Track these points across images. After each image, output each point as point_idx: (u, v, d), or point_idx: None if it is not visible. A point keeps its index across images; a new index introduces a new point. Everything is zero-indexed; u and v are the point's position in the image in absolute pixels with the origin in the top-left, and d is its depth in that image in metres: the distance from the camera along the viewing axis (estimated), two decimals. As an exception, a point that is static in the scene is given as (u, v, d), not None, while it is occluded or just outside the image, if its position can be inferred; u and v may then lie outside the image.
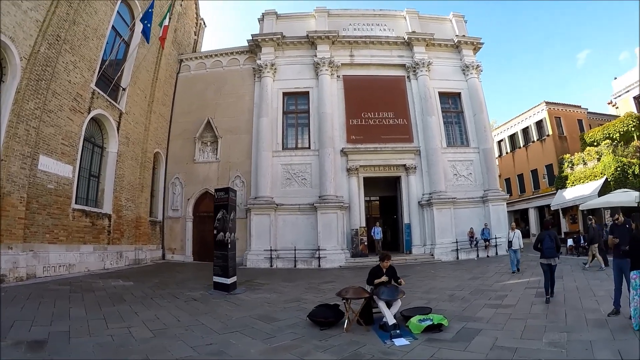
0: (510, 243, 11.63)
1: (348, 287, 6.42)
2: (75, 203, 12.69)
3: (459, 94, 19.80)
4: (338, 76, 19.28)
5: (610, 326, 5.14)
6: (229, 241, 9.87)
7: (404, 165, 18.17)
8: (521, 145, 29.33)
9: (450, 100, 19.99)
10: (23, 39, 10.06)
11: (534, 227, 27.48)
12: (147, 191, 17.64)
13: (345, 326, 5.77)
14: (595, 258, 11.93)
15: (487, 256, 16.73)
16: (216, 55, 20.90)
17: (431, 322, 5.40)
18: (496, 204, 17.98)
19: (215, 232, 10.25)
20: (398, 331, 5.27)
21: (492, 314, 6.40)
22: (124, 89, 15.72)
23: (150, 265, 16.48)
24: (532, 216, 27.68)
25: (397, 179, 18.69)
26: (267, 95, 18.67)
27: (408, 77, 19.51)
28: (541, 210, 26.96)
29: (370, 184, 19.48)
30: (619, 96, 25.78)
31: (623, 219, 5.93)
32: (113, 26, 14.67)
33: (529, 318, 5.96)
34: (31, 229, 10.46)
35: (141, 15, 15.07)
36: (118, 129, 15.25)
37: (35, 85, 10.41)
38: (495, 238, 17.01)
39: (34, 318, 6.05)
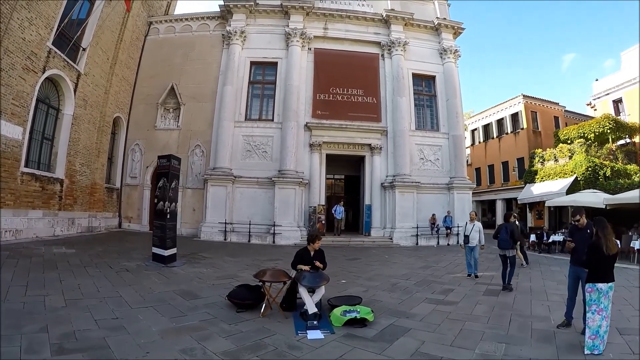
0: (466, 238, 8.65)
1: (267, 268, 5.79)
2: (26, 166, 11.79)
3: (434, 77, 18.70)
4: (309, 49, 17.99)
5: (557, 341, 4.38)
6: (168, 211, 9.01)
7: (369, 145, 17.11)
8: (494, 136, 28.40)
9: (424, 83, 18.89)
10: None
11: (500, 219, 26.75)
12: (104, 157, 16.45)
13: (262, 311, 5.15)
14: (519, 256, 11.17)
15: (448, 244, 15.96)
16: (187, 19, 19.36)
17: (355, 316, 4.75)
18: (461, 192, 17.16)
19: (155, 200, 9.52)
20: (315, 322, 4.62)
21: (430, 310, 5.68)
22: (84, 49, 14.39)
23: (103, 233, 15.41)
24: (499, 208, 26.94)
25: (362, 159, 17.67)
26: (234, 63, 17.34)
27: (382, 55, 18.32)
28: (509, 202, 26.18)
29: (334, 162, 18.44)
30: (598, 98, 24.94)
31: (585, 221, 4.99)
32: None
33: (468, 320, 5.18)
34: None
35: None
36: (75, 91, 14.03)
37: None
38: (458, 227, 16.10)
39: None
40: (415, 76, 18.48)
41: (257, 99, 17.97)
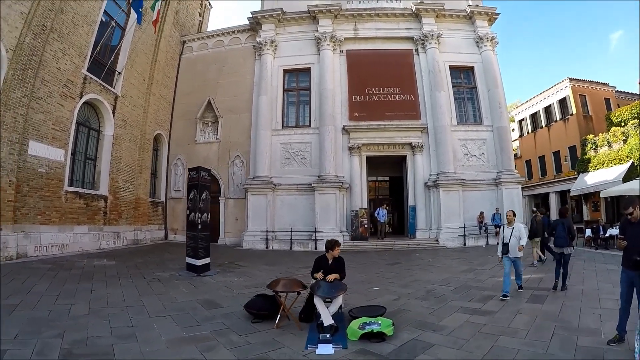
0: (505, 247, 6.50)
1: (280, 278, 5.49)
2: (70, 185, 12.42)
3: (472, 68, 17.46)
4: (341, 51, 17.43)
5: (606, 362, 3.49)
6: (199, 222, 8.94)
7: (410, 143, 16.17)
8: (543, 125, 26.03)
9: (463, 75, 17.70)
10: (8, 31, 9.92)
11: (554, 213, 24.61)
12: (147, 172, 16.83)
13: (276, 322, 4.76)
14: (536, 252, 10.22)
15: (497, 243, 14.68)
16: (218, 35, 19.52)
17: (372, 329, 4.20)
18: (510, 187, 15.72)
19: (187, 212, 9.49)
20: (328, 335, 4.20)
21: (462, 322, 4.89)
22: (119, 73, 14.99)
23: (148, 245, 15.70)
24: (553, 201, 24.62)
25: (404, 159, 16.74)
26: (267, 73, 17.15)
27: (416, 50, 17.38)
28: (563, 195, 23.93)
29: (376, 164, 17.71)
30: None
31: None
32: (105, 11, 13.87)
33: (503, 334, 4.36)
34: (22, 210, 10.43)
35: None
36: (114, 112, 14.63)
37: (22, 74, 10.24)
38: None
39: (-4, 293, 6.02)
40: (453, 68, 17.36)
41: (292, 106, 17.65)
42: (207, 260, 9.10)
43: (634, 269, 3.66)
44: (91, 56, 13.07)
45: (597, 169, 19.64)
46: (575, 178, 21.30)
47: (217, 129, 17.98)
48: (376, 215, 16.15)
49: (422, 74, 16.97)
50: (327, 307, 4.62)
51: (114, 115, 14.58)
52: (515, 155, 29.13)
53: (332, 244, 5.14)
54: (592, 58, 70.75)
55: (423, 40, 17.19)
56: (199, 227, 8.94)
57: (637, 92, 25.04)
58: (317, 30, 17.26)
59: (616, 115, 20.91)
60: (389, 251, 13.81)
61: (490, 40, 17.51)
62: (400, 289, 7.14)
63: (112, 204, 14.46)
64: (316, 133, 16.22)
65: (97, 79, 13.58)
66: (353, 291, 6.90)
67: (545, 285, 7.08)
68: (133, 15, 14.75)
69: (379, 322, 4.31)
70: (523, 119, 28.49)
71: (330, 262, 5.13)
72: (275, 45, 17.72)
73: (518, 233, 6.43)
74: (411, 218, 15.89)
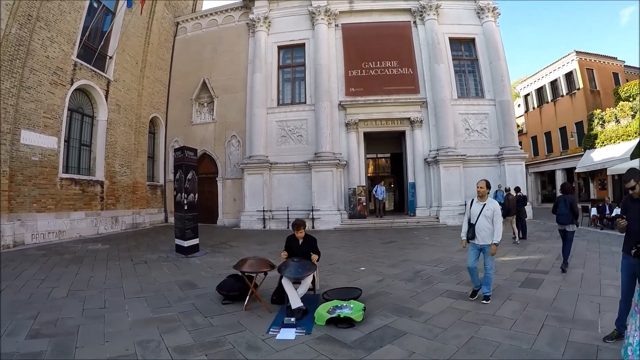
0: (471, 229, 4.68)
1: (248, 257, 5.08)
2: (66, 172, 12.26)
3: (473, 39, 16.35)
4: (336, 25, 16.46)
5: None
6: (185, 202, 8.69)
7: (409, 118, 15.27)
8: (549, 100, 24.67)
9: (464, 47, 16.62)
10: None
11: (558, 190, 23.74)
12: (144, 156, 16.33)
13: (245, 303, 4.56)
14: (512, 230, 9.91)
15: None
16: (212, 14, 18.61)
17: (338, 314, 3.88)
18: (513, 163, 14.78)
19: (174, 193, 9.31)
20: (293, 319, 3.92)
21: (443, 308, 4.43)
22: (110, 57, 14.36)
23: (147, 229, 15.33)
24: (559, 179, 23.36)
25: (403, 135, 15.85)
26: (261, 50, 16.31)
27: (414, 22, 16.31)
28: (569, 172, 22.77)
29: (376, 141, 16.93)
30: None
31: None
32: None
33: (486, 324, 3.83)
34: (17, 199, 10.30)
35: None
36: (107, 97, 14.14)
37: (10, 65, 9.98)
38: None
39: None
40: (453, 40, 16.30)
41: (288, 83, 16.79)
42: (195, 241, 8.84)
43: (635, 257, 2.96)
44: (80, 42, 12.59)
45: (604, 145, 18.60)
46: (582, 155, 20.27)
47: (213, 109, 17.28)
48: (374, 192, 15.46)
49: (421, 47, 15.95)
50: (296, 289, 4.30)
51: (107, 100, 14.07)
52: (521, 131, 27.78)
53: (296, 224, 4.79)
54: (601, 34, 67.86)
55: (421, 11, 16.13)
56: (185, 207, 8.66)
57: (647, 67, 23.76)
58: (311, 5, 16.30)
59: (625, 90, 19.71)
60: (387, 229, 13.15)
61: (492, 11, 16.38)
62: (387, 270, 6.68)
63: (108, 189, 14.08)
64: (312, 110, 15.43)
65: (88, 65, 13.06)
66: (337, 271, 6.67)
67: (544, 267, 6.43)
68: (121, -1, 14.09)
69: (351, 305, 4.00)
70: (528, 94, 27.06)
71: (300, 242, 4.83)
72: (269, 22, 16.84)
73: (490, 213, 4.54)
74: (411, 195, 15.12)
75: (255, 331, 3.78)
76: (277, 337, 3.59)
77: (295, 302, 4.11)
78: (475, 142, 15.21)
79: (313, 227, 14.00)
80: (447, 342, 3.40)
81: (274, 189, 15.17)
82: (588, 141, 19.63)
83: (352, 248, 9.43)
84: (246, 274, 4.64)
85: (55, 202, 11.50)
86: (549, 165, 24.81)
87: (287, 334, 3.67)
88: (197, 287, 5.61)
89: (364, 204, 14.60)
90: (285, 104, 16.28)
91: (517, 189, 11.00)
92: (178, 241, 8.76)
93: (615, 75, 22.84)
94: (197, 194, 9.33)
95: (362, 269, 6.79)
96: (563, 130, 23.29)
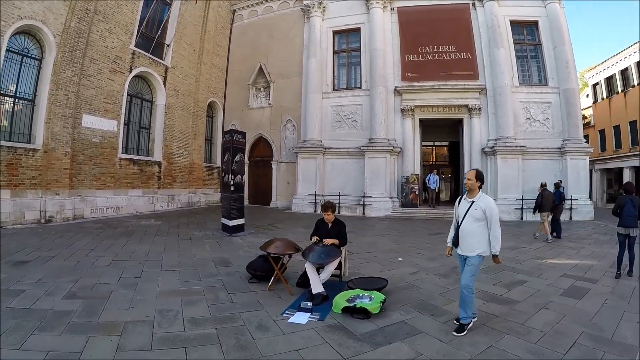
0: (455, 236, 3.69)
1: (275, 239, 5.09)
2: (125, 153, 13.03)
3: (536, 22, 15.16)
4: (392, 8, 15.90)
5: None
6: (232, 183, 9.00)
7: (467, 105, 14.63)
8: (619, 91, 22.17)
9: (526, 31, 15.50)
10: (54, 19, 10.34)
11: None
12: (201, 138, 17.12)
13: (269, 284, 4.60)
14: (543, 227, 9.31)
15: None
16: (267, 0, 18.70)
17: (355, 304, 3.74)
18: (576, 158, 13.74)
19: (222, 174, 9.79)
20: (309, 304, 3.85)
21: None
22: (168, 46, 15.04)
23: (201, 207, 16.16)
24: (627, 177, 21.10)
25: (460, 122, 15.23)
26: (316, 36, 16.24)
27: (473, 4, 15.31)
28: (638, 171, 20.60)
29: (433, 128, 16.47)
30: None
31: None
32: None
33: (511, 333, 3.43)
34: (78, 177, 11.18)
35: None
36: (165, 83, 14.85)
37: (70, 55, 10.64)
38: (571, 199, 13.15)
39: (39, 247, 6.66)
40: (514, 23, 15.21)
41: (343, 68, 16.67)
42: (240, 221, 9.11)
43: None
44: (138, 32, 13.24)
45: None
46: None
47: (269, 93, 17.59)
48: (427, 181, 15.18)
49: (480, 30, 15.06)
50: (320, 274, 4.22)
51: (165, 86, 14.83)
52: (588, 123, 25.57)
53: (325, 206, 4.65)
54: None
55: (481, -8, 15.21)
56: (232, 188, 8.93)
57: None
58: (367, -12, 15.88)
59: None
60: (438, 220, 12.83)
61: None
62: (425, 262, 6.44)
63: (166, 169, 14.92)
64: (367, 95, 15.24)
65: (146, 53, 13.71)
66: (374, 260, 6.55)
67: (593, 274, 5.72)
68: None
69: (372, 296, 3.86)
70: (597, 83, 24.48)
71: (329, 226, 4.67)
72: (324, 7, 16.65)
73: (480, 213, 3.46)
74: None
75: (270, 312, 3.79)
76: (289, 320, 3.56)
77: (317, 287, 4.05)
78: (536, 133, 14.34)
79: (364, 214, 14.10)
80: (462, 348, 3.11)
81: (326, 174, 15.34)
82: None
83: (397, 237, 9.25)
84: (272, 255, 4.64)
85: (114, 180, 12.38)
86: (617, 162, 22.48)
87: (301, 317, 3.61)
88: (230, 265, 5.77)
89: (417, 192, 14.38)
90: (340, 89, 16.21)
91: (557, 185, 10.43)
92: (224, 220, 9.08)
93: (695, 61, 20.40)
94: (244, 176, 9.77)
95: (400, 259, 6.63)
96: (633, 124, 20.94)
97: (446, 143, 18.59)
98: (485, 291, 4.75)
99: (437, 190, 15.02)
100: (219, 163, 18.52)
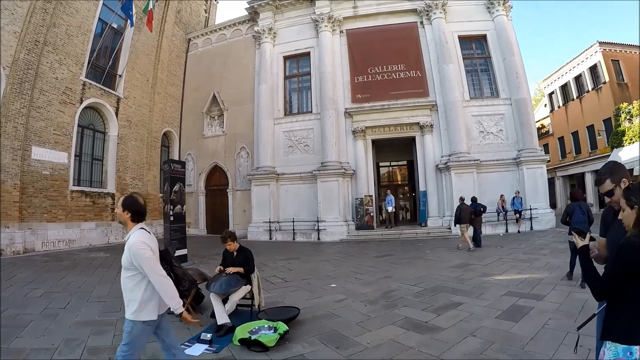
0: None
1: (186, 269, 4.52)
2: (77, 185, 12.42)
3: (485, 36, 14.63)
4: (341, 31, 15.29)
5: None
6: (172, 214, 8.55)
7: (418, 123, 13.80)
8: (574, 97, 21.82)
9: (475, 45, 14.96)
10: (4, 51, 10.00)
11: (590, 195, 20.19)
12: (156, 169, 16.04)
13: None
14: (463, 238, 9.35)
15: (518, 231, 12.12)
16: (221, 28, 18.08)
17: (249, 337, 3.44)
18: (533, 167, 12.97)
19: (163, 204, 9.66)
20: (209, 335, 3.61)
21: (385, 340, 3.55)
22: (120, 76, 14.32)
23: (158, 238, 14.50)
24: (589, 182, 20.55)
25: (413, 140, 14.37)
26: (266, 62, 15.47)
27: (421, 22, 14.81)
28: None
29: (387, 148, 15.62)
30: None
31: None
32: (100, 18, 13.32)
33: None
34: (28, 210, 10.65)
35: (120, 4, 13.16)
36: (117, 114, 14.09)
37: (19, 87, 10.33)
38: (530, 209, 12.38)
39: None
40: (463, 38, 14.67)
41: (294, 92, 15.90)
42: (182, 251, 8.57)
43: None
44: (89, 63, 12.74)
45: (633, 142, 16.16)
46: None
47: (223, 121, 16.65)
48: (385, 202, 14.18)
49: (429, 48, 14.45)
50: (225, 305, 3.96)
51: (117, 117, 14.10)
52: (547, 132, 25.24)
53: (223, 237, 4.33)
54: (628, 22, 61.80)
55: (427, 10, 14.63)
56: (172, 218, 8.50)
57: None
58: (314, 13, 15.23)
59: (656, 79, 17.27)
60: (393, 241, 11.84)
61: (503, 4, 14.62)
62: (358, 288, 5.80)
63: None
64: (318, 119, 14.35)
65: (97, 84, 13.11)
66: (304, 287, 6.02)
67: (541, 290, 4.99)
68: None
69: (276, 327, 3.55)
70: (553, 92, 24.16)
71: (234, 255, 4.36)
72: (274, 33, 15.97)
73: (126, 259, 2.25)
74: (422, 204, 13.64)
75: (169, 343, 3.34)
76: (186, 352, 3.22)
77: (222, 318, 3.81)
78: (490, 146, 13.55)
79: (319, 239, 13.00)
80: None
81: (280, 200, 14.25)
82: (615, 139, 17.13)
83: (341, 262, 8.55)
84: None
85: (65, 213, 11.67)
86: (578, 167, 21.90)
87: (197, 349, 3.43)
88: None
89: (372, 214, 13.32)
90: (291, 114, 15.35)
91: (474, 199, 10.47)
92: None
93: (645, 65, 20.17)
94: (184, 206, 9.22)
95: (333, 285, 6.03)
96: (590, 128, 20.47)
97: (404, 162, 17.62)
98: (410, 318, 4.18)
99: (394, 210, 13.95)
100: (177, 194, 17.39)
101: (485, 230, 12.28)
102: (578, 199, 5.64)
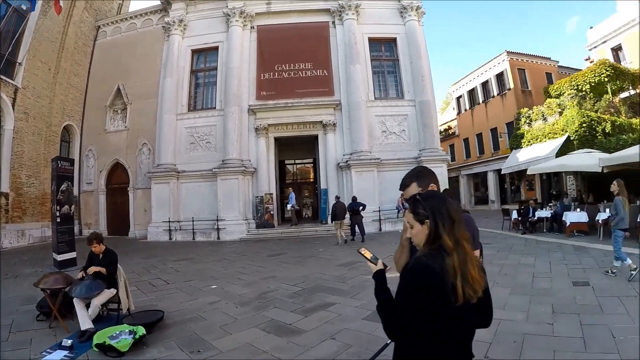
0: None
1: (50, 274, 4.54)
2: None
3: (395, 39, 14.73)
4: (252, 27, 14.63)
5: None
6: (58, 215, 8.01)
7: (321, 121, 13.50)
8: (480, 102, 22.82)
9: (384, 47, 14.97)
10: None
11: (492, 193, 21.55)
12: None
13: (51, 321, 4.06)
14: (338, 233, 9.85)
15: None
16: (132, 17, 16.64)
17: (103, 342, 3.26)
18: (433, 166, 12.97)
19: (51, 204, 9.04)
20: (69, 341, 3.34)
21: (241, 344, 3.41)
22: (19, 64, 12.57)
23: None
24: (492, 181, 21.67)
25: (316, 139, 14.07)
26: (174, 54, 14.41)
27: (333, 22, 14.59)
28: (501, 174, 20.62)
29: (292, 146, 15.20)
30: (595, 47, 19.59)
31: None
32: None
33: None
34: None
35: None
36: (14, 106, 12.41)
37: None
38: None
39: None
40: (373, 40, 14.63)
41: (200, 88, 14.88)
42: (69, 255, 7.97)
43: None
44: None
45: (531, 144, 16.98)
46: (513, 155, 18.72)
47: (126, 116, 15.29)
48: (287, 200, 13.71)
49: (338, 48, 14.23)
50: (88, 310, 3.79)
51: (13, 109, 12.42)
52: (454, 133, 26.19)
53: (89, 239, 4.16)
54: (548, 41, 67.26)
55: (340, 11, 14.42)
56: (58, 220, 7.98)
57: (582, 69, 22.42)
58: (227, 6, 14.43)
59: (555, 87, 18.26)
60: (292, 239, 11.46)
61: (416, 10, 14.82)
62: (237, 289, 5.51)
63: (14, 201, 12.48)
64: (221, 115, 13.56)
65: None
66: (184, 289, 5.65)
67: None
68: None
69: (136, 331, 3.41)
70: (461, 96, 25.10)
71: (100, 257, 4.16)
72: (185, 25, 14.93)
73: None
74: (323, 202, 13.34)
75: (35, 350, 3.41)
76: (44, 358, 3.21)
77: (84, 323, 3.63)
78: (392, 145, 13.55)
79: (219, 238, 12.23)
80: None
81: (181, 199, 13.27)
82: (515, 141, 17.95)
83: (231, 262, 8.04)
84: (46, 290, 4.06)
85: None
86: (481, 167, 22.84)
87: (56, 355, 3.28)
88: (33, 302, 4.67)
89: (272, 212, 12.77)
90: (195, 110, 14.39)
91: (354, 198, 10.77)
92: (54, 255, 7.94)
93: (549, 75, 21.49)
94: (72, 206, 8.66)
95: (213, 287, 5.71)
96: (494, 131, 21.50)
97: (310, 160, 17.29)
98: (276, 320, 4.00)
99: (295, 208, 13.50)
100: (76, 192, 15.65)
101: (385, 227, 12.34)
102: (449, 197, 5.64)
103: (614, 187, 4.99)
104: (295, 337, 3.47)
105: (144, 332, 3.49)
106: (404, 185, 1.76)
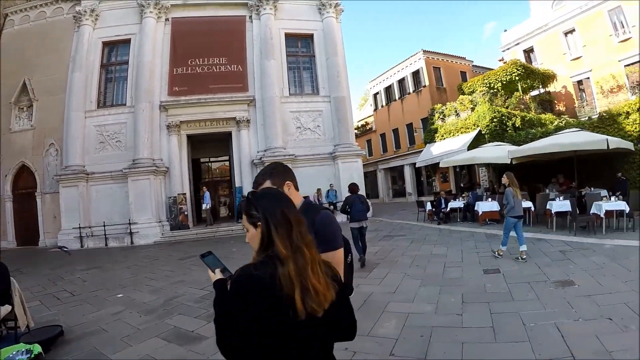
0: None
1: None
2: None
3: (312, 35, 13.17)
4: (167, 19, 12.32)
5: None
6: None
7: (235, 118, 11.83)
8: (397, 98, 21.72)
9: (301, 43, 13.38)
10: None
11: (409, 185, 20.69)
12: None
13: None
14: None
15: None
16: (41, 5, 13.39)
17: None
18: (348, 161, 12.11)
19: None
20: None
21: (142, 356, 2.79)
22: None
23: None
24: (408, 174, 20.79)
25: (230, 136, 12.39)
26: (83, 47, 11.84)
27: (250, 17, 12.71)
28: (417, 167, 19.75)
29: (206, 144, 13.40)
30: (508, 49, 19.22)
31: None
32: None
33: None
34: None
35: None
36: None
37: None
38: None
39: None
40: (290, 36, 12.98)
41: (110, 83, 12.47)
42: None
43: None
44: None
45: (444, 138, 16.42)
46: (427, 150, 18.14)
47: (32, 113, 12.54)
48: (203, 201, 12.08)
49: (254, 43, 12.43)
50: None
51: None
52: (371, 129, 24.96)
53: None
54: (467, 46, 68.78)
55: (258, 5, 12.54)
56: None
57: (495, 68, 22.19)
58: (140, -4, 11.99)
59: (468, 85, 17.71)
60: (207, 240, 9.97)
61: (334, 7, 13.32)
62: (143, 296, 4.70)
63: None
64: (132, 112, 11.40)
65: None
66: (90, 300, 4.71)
67: None
68: None
69: (32, 349, 2.77)
70: (377, 93, 23.81)
71: None
72: (97, 15, 12.28)
73: None
74: (238, 200, 11.92)
75: None
76: None
77: None
78: (307, 141, 12.26)
79: (132, 242, 10.41)
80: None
81: (92, 203, 11.15)
82: (429, 135, 17.27)
83: (141, 268, 6.90)
84: None
85: None
86: (398, 161, 21.85)
87: None
88: None
89: (186, 213, 11.11)
90: (105, 107, 12.03)
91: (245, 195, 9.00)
92: None
93: (463, 73, 21.05)
94: None
95: (120, 295, 4.88)
96: (410, 126, 20.56)
97: (226, 157, 15.52)
98: (178, 328, 3.41)
99: (210, 207, 11.96)
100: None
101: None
102: (356, 191, 5.52)
103: (505, 179, 4.96)
104: (196, 345, 2.97)
105: (40, 350, 2.95)
106: (256, 183, 1.38)
